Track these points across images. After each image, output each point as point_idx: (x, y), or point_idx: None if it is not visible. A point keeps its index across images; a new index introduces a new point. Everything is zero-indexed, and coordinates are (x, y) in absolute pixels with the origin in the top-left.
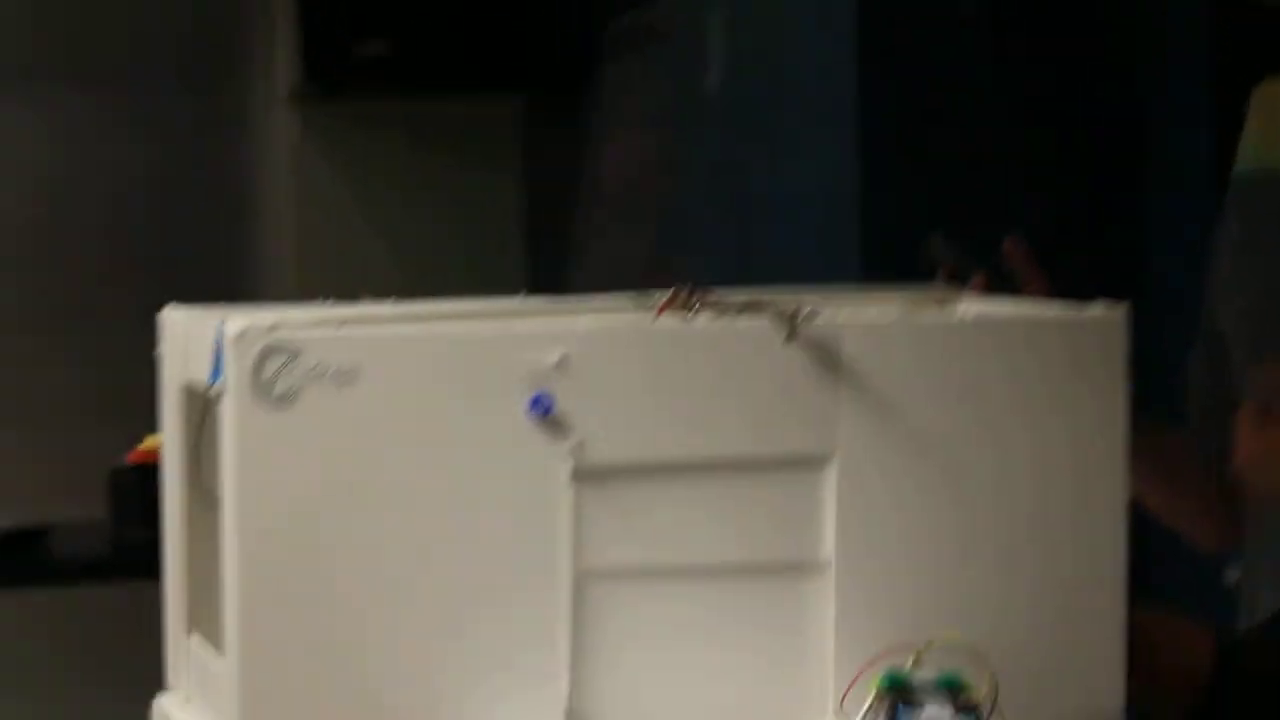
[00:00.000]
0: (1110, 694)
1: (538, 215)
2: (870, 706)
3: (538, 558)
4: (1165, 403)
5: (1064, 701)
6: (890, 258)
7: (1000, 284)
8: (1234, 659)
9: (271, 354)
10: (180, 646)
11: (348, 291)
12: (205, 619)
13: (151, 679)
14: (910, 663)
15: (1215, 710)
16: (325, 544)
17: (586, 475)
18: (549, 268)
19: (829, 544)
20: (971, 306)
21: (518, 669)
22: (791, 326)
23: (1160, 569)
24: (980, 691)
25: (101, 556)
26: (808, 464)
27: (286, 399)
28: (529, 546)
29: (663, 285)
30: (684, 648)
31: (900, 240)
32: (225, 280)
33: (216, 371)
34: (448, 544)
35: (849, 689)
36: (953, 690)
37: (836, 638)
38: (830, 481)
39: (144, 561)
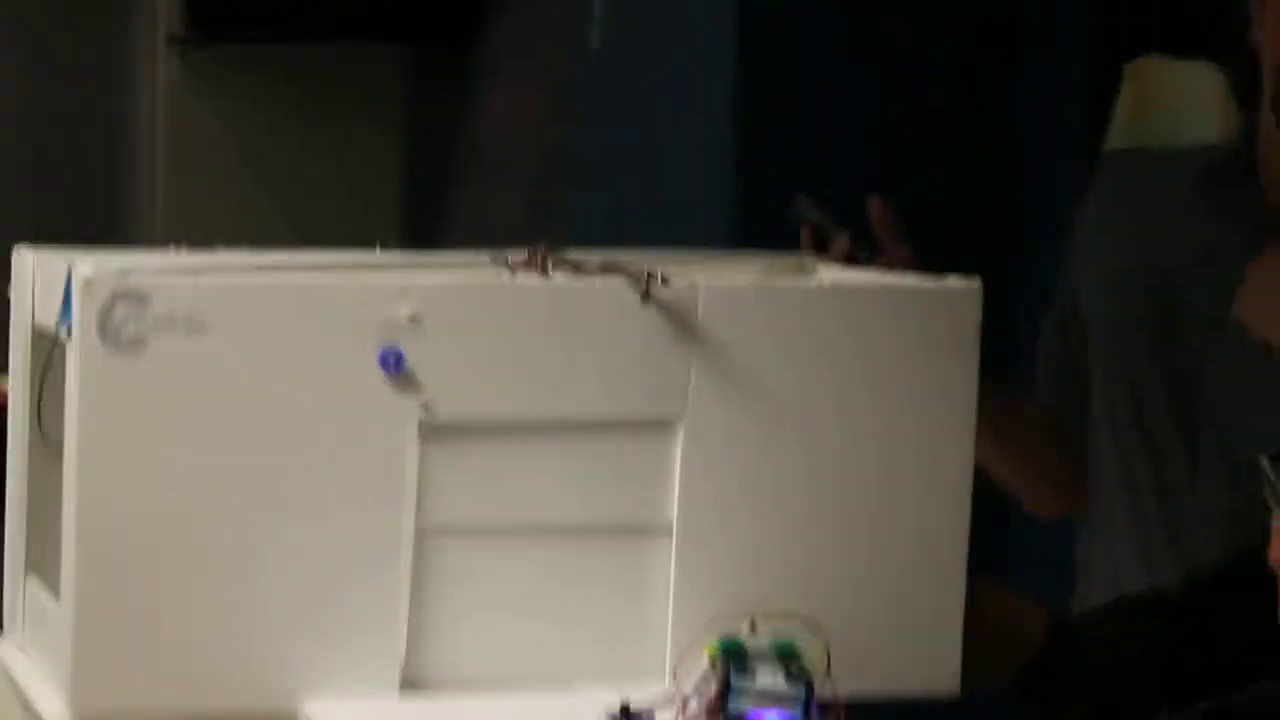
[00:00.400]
0: (947, 662)
1: (417, 168)
2: (704, 672)
3: (381, 513)
4: (1029, 371)
5: (902, 668)
6: (763, 220)
7: (863, 247)
8: (1067, 635)
9: (120, 300)
10: (17, 591)
11: (223, 237)
12: (44, 564)
13: None
14: (745, 629)
15: (1046, 683)
16: (167, 493)
17: (434, 431)
18: (425, 221)
19: (672, 507)
20: (829, 274)
21: (356, 625)
22: (646, 288)
23: (1005, 540)
24: (813, 659)
25: None
26: (656, 427)
27: (134, 346)
28: (373, 501)
29: (536, 242)
30: (525, 607)
31: (773, 202)
32: (100, 222)
33: (65, 315)
34: (291, 497)
35: (684, 654)
36: (786, 657)
37: (675, 601)
38: (677, 445)
39: None
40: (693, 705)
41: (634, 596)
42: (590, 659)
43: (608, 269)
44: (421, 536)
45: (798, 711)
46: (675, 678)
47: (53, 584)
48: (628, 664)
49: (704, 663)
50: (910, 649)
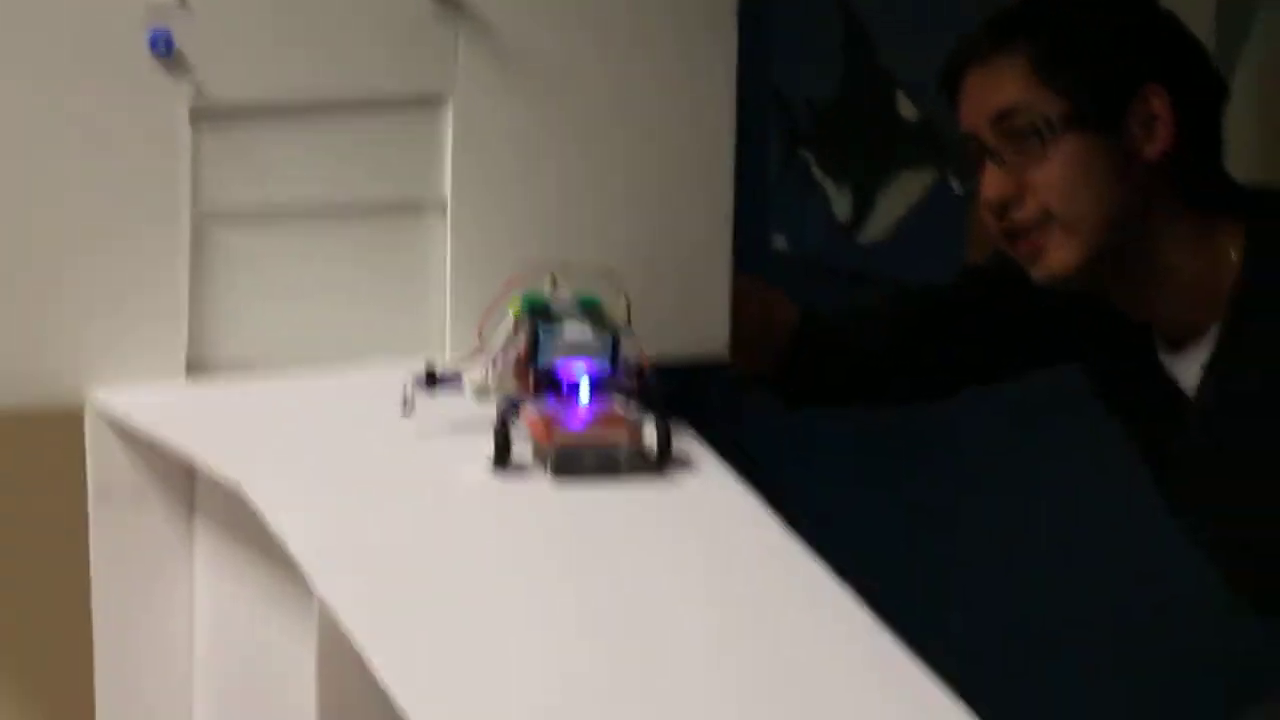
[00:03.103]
0: (717, 329)
1: None
2: (511, 329)
3: (157, 199)
4: None
5: (677, 333)
6: None
7: None
8: (814, 322)
9: None
10: None
11: None
12: None
13: None
14: (546, 285)
15: (795, 362)
16: None
17: (206, 114)
18: None
19: (446, 182)
20: None
21: (139, 312)
22: None
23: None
24: (616, 311)
25: None
26: (426, 103)
27: None
28: (148, 187)
29: None
30: (305, 288)
31: None
32: None
33: None
34: (67, 185)
35: (487, 314)
36: (590, 310)
37: (452, 275)
38: (447, 121)
39: None
40: (501, 362)
41: (413, 273)
42: (374, 337)
43: None
44: (199, 221)
45: (605, 360)
46: (480, 336)
47: None
48: (410, 340)
49: (509, 322)
50: (684, 315)
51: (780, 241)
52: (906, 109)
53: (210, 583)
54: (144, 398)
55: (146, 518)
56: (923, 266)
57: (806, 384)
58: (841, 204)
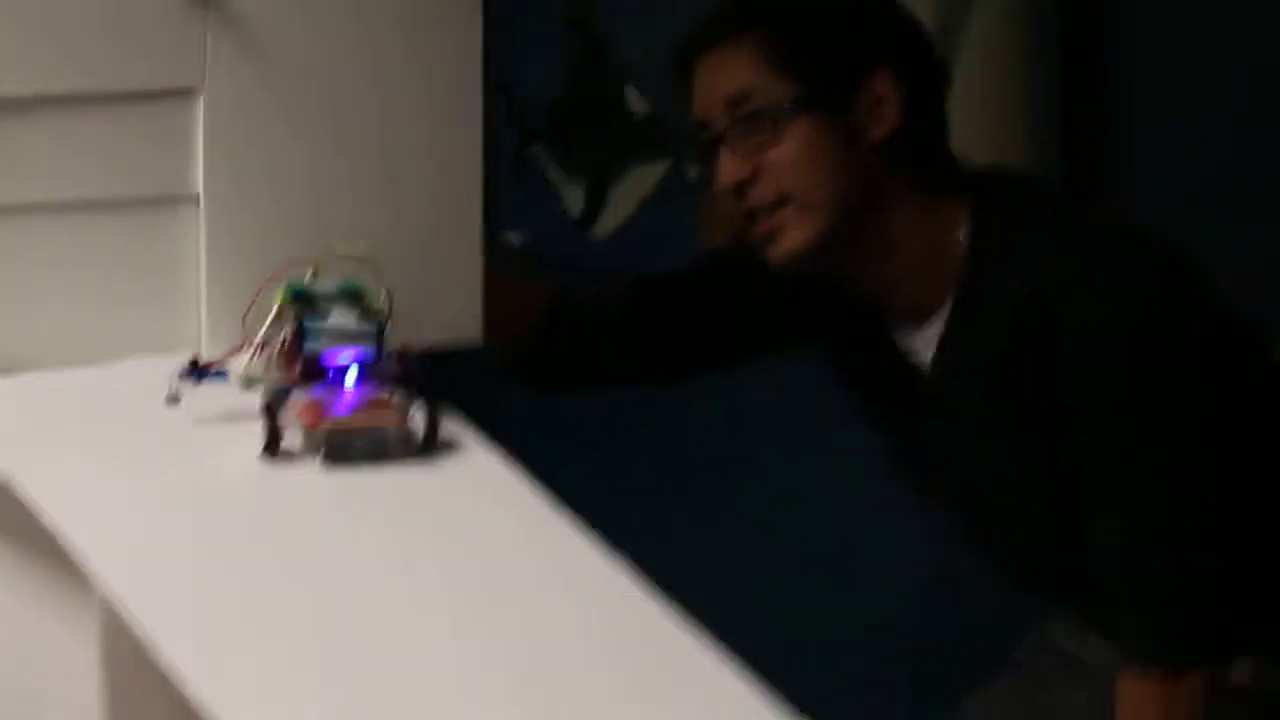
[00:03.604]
0: (470, 315)
1: None
2: (273, 320)
3: None
4: None
5: (432, 320)
6: None
7: None
8: (561, 307)
9: None
10: None
11: None
12: None
13: None
14: (309, 275)
15: (544, 348)
16: None
17: None
18: None
19: (198, 177)
20: None
21: None
22: None
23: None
24: (379, 299)
25: None
26: (175, 96)
27: None
28: None
29: None
30: (59, 286)
31: None
32: None
33: None
34: None
35: (250, 306)
36: (353, 297)
37: (206, 270)
38: (198, 115)
39: None
40: (267, 351)
41: (166, 270)
42: (131, 334)
43: None
44: None
45: (370, 346)
46: (244, 326)
47: None
48: (168, 336)
49: (271, 313)
50: (438, 302)
51: (515, 238)
52: (636, 102)
53: None
54: None
55: None
56: (657, 259)
57: (556, 369)
58: (575, 199)
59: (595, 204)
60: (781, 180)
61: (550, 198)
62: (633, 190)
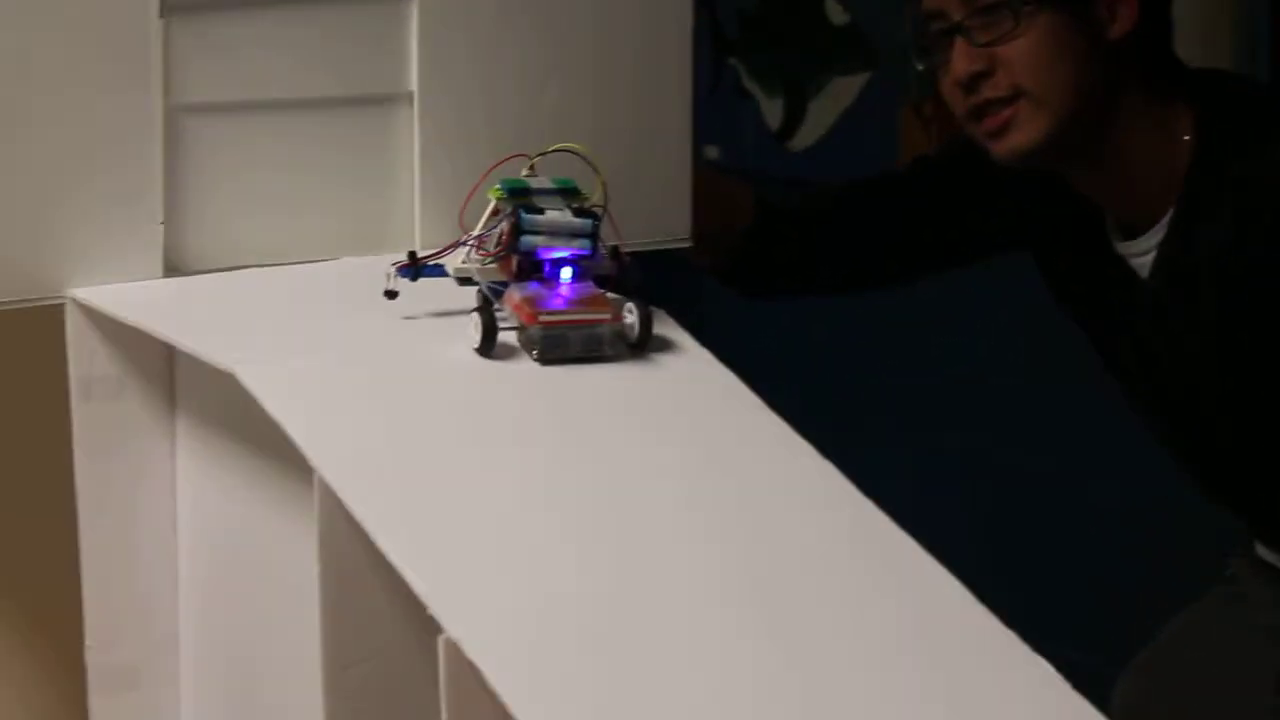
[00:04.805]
0: (680, 217)
1: None
2: (489, 215)
3: (129, 94)
4: None
5: (643, 221)
6: None
7: None
8: (767, 207)
9: None
10: None
11: None
12: None
13: None
14: (525, 170)
15: (753, 253)
16: None
17: (176, 8)
18: None
19: (413, 76)
20: None
21: (114, 210)
22: None
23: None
24: (594, 195)
25: None
26: None
27: None
28: (121, 83)
29: None
30: (278, 183)
31: None
32: None
33: None
34: (40, 82)
35: (466, 202)
36: (569, 194)
37: (422, 167)
38: (413, 14)
39: None
40: (482, 247)
41: (382, 168)
42: (345, 230)
43: None
44: (172, 117)
45: (585, 243)
46: (460, 222)
47: None
48: (381, 236)
49: (488, 209)
50: (648, 203)
51: (713, 152)
52: (835, 14)
53: (193, 472)
54: (124, 293)
55: (127, 409)
56: (855, 171)
57: (763, 274)
58: (773, 112)
59: (794, 117)
60: (1019, 74)
61: (747, 111)
62: (831, 103)
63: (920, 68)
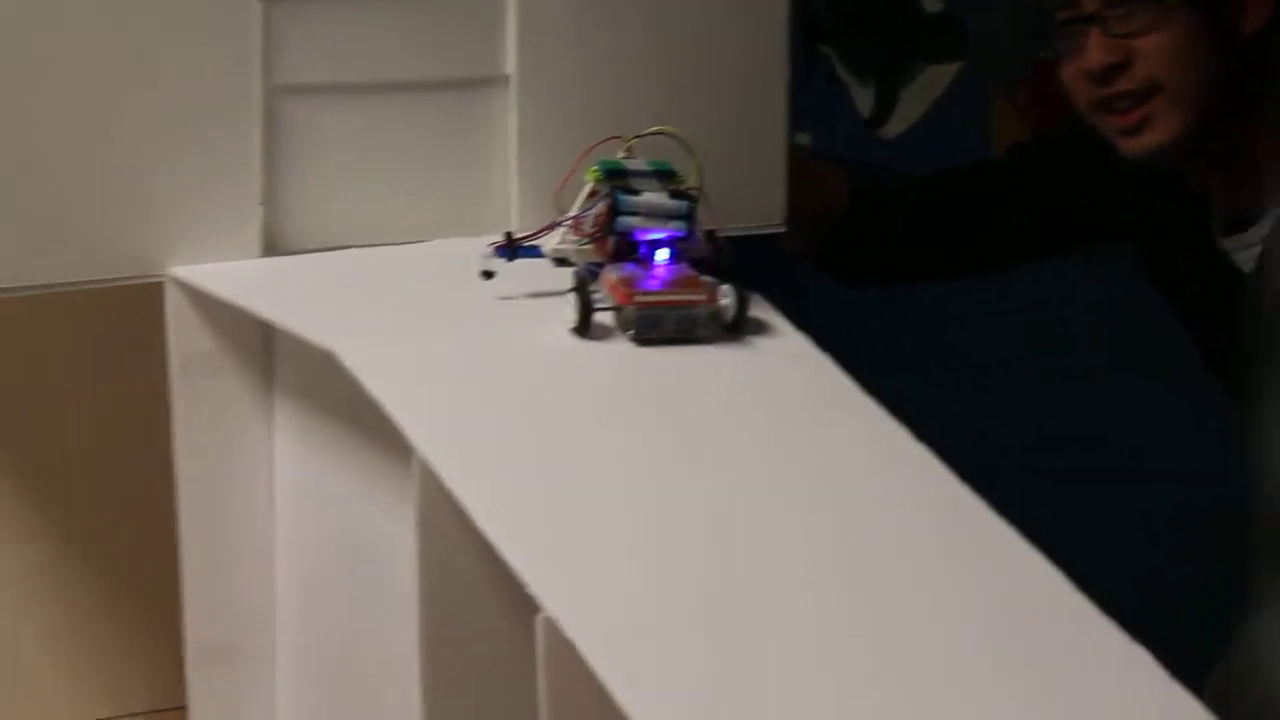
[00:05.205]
0: (773, 201)
1: None
2: (586, 197)
3: (229, 77)
4: None
5: (736, 206)
6: None
7: None
8: (862, 193)
9: None
10: None
11: None
12: None
13: None
14: (621, 152)
15: (847, 239)
16: (13, 75)
17: None
18: None
19: (509, 58)
20: None
21: (214, 189)
22: None
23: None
24: (691, 178)
25: None
26: None
27: None
28: (220, 66)
29: None
30: (375, 164)
31: None
32: None
33: None
34: (141, 64)
35: (562, 184)
36: (666, 176)
37: (518, 149)
38: None
39: None
40: (578, 229)
41: (478, 150)
42: (442, 212)
43: None
44: (271, 98)
45: (682, 225)
46: (556, 203)
47: None
48: (477, 218)
49: (584, 190)
50: (742, 187)
51: (804, 139)
52: (928, 2)
53: (291, 451)
54: (223, 272)
55: (225, 387)
56: (947, 159)
57: (859, 261)
58: (864, 100)
59: (886, 104)
60: (1157, 67)
61: (838, 98)
62: (923, 91)
63: (1050, 54)
